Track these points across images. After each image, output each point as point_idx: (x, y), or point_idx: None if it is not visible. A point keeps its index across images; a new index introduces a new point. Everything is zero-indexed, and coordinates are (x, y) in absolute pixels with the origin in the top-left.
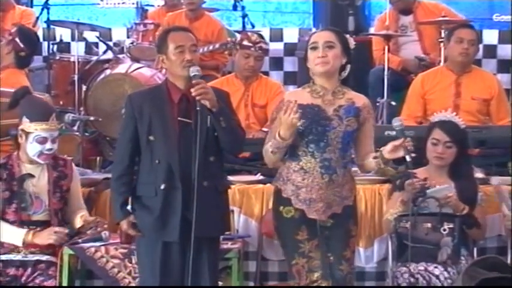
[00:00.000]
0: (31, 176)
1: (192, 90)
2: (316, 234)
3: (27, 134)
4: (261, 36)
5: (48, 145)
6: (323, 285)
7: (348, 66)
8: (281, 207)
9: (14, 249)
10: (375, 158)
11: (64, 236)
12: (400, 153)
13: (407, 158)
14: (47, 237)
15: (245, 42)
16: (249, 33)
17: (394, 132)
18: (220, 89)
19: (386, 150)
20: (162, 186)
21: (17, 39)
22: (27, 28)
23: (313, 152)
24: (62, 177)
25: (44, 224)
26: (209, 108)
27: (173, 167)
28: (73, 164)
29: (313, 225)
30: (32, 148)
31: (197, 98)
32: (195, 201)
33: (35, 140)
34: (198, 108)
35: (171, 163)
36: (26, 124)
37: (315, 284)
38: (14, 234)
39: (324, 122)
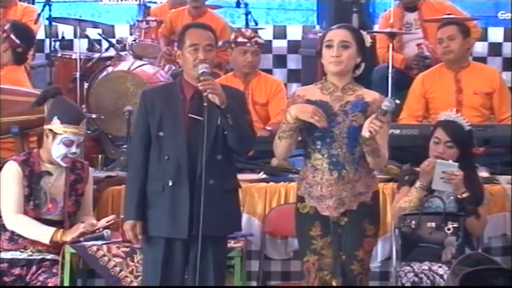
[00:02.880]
0: (49, 173)
1: (199, 84)
2: (329, 231)
3: (55, 134)
4: (256, 32)
5: (73, 149)
6: (333, 284)
7: (363, 65)
8: (298, 204)
9: (21, 247)
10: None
11: (92, 225)
12: (376, 128)
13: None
14: (75, 228)
15: (240, 39)
16: (243, 29)
17: (398, 131)
18: (234, 88)
19: (364, 129)
20: (170, 183)
21: (12, 36)
22: (20, 23)
23: (320, 148)
24: (78, 181)
25: (56, 224)
26: (218, 104)
27: (181, 164)
28: (90, 168)
29: (327, 222)
30: (57, 149)
31: (205, 92)
32: (202, 199)
33: (62, 142)
34: (205, 104)
35: (179, 159)
36: (56, 125)
37: (324, 283)
38: (41, 232)
39: (329, 118)
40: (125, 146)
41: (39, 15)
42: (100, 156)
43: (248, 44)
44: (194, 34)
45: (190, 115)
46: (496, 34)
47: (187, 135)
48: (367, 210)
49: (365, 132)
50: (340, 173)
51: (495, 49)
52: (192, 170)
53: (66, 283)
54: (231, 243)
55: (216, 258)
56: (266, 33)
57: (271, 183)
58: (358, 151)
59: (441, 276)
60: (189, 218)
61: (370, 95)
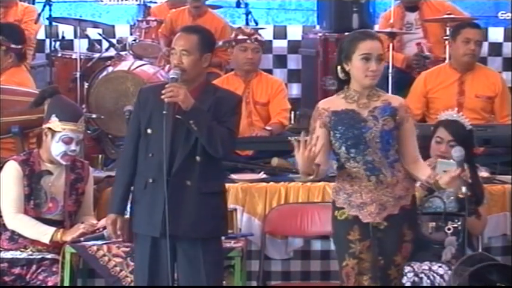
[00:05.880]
0: (49, 173)
1: (162, 91)
2: (368, 235)
3: (53, 132)
4: (256, 30)
5: (72, 146)
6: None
7: None
8: (336, 212)
9: (21, 247)
10: (427, 180)
11: (92, 225)
12: (455, 183)
13: (463, 189)
14: (75, 229)
15: (240, 36)
16: (243, 27)
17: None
18: (231, 92)
19: (444, 180)
20: (151, 180)
21: (8, 43)
22: (6, 25)
23: (355, 156)
24: (78, 180)
25: (57, 223)
26: (184, 109)
27: (162, 162)
28: (90, 167)
29: (366, 226)
30: (56, 147)
31: (166, 100)
32: (167, 197)
33: (61, 139)
34: (164, 112)
35: (161, 157)
36: (55, 123)
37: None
38: (42, 232)
39: (359, 125)
40: None
41: (39, 15)
42: (100, 156)
43: (248, 41)
44: (176, 38)
45: (177, 116)
46: (496, 34)
47: (172, 135)
48: (406, 214)
49: (446, 183)
50: (378, 177)
51: (495, 49)
52: (169, 169)
53: (67, 283)
54: (231, 243)
55: (207, 260)
56: (266, 33)
57: (272, 183)
58: (392, 154)
59: (441, 276)
60: (162, 216)
61: (395, 100)
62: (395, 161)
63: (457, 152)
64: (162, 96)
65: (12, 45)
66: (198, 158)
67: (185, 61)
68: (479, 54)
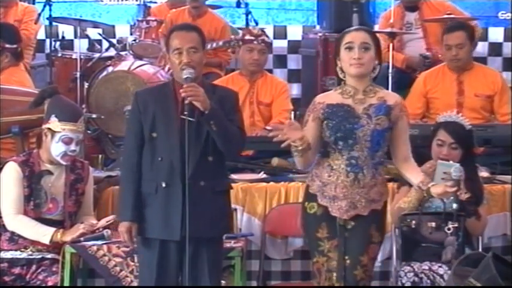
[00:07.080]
0: (50, 173)
1: (181, 91)
2: (336, 233)
3: (53, 133)
4: (263, 31)
5: (72, 146)
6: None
7: (378, 67)
8: (306, 203)
9: (21, 247)
10: (420, 185)
11: (92, 225)
12: (447, 196)
13: (454, 206)
14: (75, 229)
15: (247, 37)
16: (251, 28)
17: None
18: (228, 89)
19: (437, 191)
20: (163, 184)
21: (3, 43)
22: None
23: (341, 149)
24: (78, 180)
25: (57, 224)
26: (201, 110)
27: (174, 165)
28: (90, 167)
29: (334, 224)
30: (56, 148)
31: (186, 100)
32: (187, 200)
33: (61, 139)
34: (185, 112)
35: (172, 161)
36: (55, 123)
37: (332, 285)
38: (41, 232)
39: (353, 120)
40: None
41: (39, 15)
42: (100, 156)
43: (255, 42)
44: (177, 37)
45: (182, 117)
46: (496, 34)
47: (180, 137)
48: (375, 216)
49: (437, 194)
50: (356, 175)
51: (495, 49)
52: (184, 171)
53: (67, 283)
54: (231, 243)
55: (210, 259)
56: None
57: (272, 183)
58: (379, 156)
59: (441, 276)
60: (181, 219)
61: (391, 98)
62: (380, 164)
63: (457, 171)
64: (183, 95)
65: (7, 45)
66: (210, 158)
67: (194, 58)
68: (467, 54)
